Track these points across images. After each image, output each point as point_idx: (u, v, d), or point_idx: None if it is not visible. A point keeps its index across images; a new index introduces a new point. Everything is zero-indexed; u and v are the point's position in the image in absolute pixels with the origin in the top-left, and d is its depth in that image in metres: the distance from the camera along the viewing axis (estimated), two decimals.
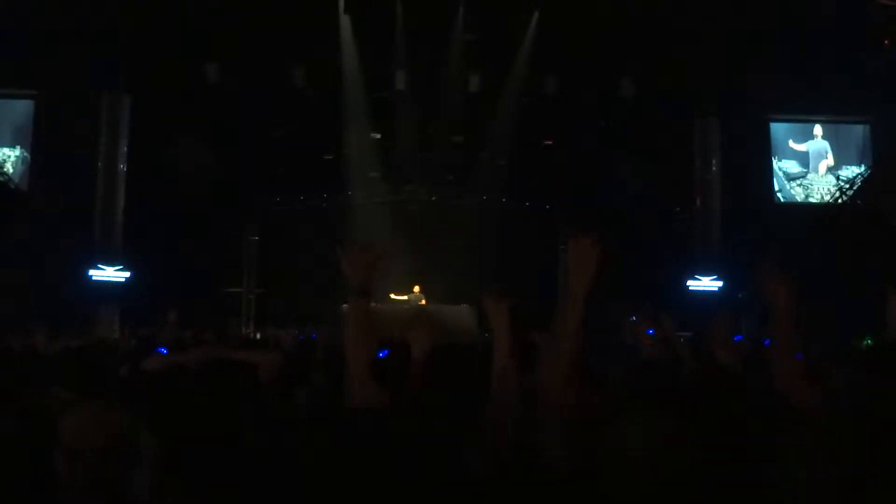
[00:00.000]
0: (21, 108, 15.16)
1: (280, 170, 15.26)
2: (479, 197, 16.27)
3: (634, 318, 3.75)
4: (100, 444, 1.44)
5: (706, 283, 14.68)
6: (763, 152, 16.20)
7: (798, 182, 16.47)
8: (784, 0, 13.15)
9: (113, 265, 13.78)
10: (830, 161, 16.43)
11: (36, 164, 14.83)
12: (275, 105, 14.56)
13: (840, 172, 16.13)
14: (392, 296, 13.95)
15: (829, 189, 16.05)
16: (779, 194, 16.34)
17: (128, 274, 13.74)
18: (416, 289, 14.08)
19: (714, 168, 15.19)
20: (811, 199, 16.28)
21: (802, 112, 16.15)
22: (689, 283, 14.68)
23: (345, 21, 14.35)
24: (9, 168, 14.81)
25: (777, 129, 16.53)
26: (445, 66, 14.77)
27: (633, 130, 14.52)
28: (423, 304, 13.74)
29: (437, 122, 15.15)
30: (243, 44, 13.69)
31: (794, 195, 16.40)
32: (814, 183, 16.41)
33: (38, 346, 4.64)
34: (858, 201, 14.68)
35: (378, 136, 15.56)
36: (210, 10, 13.08)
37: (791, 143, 16.46)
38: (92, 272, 13.64)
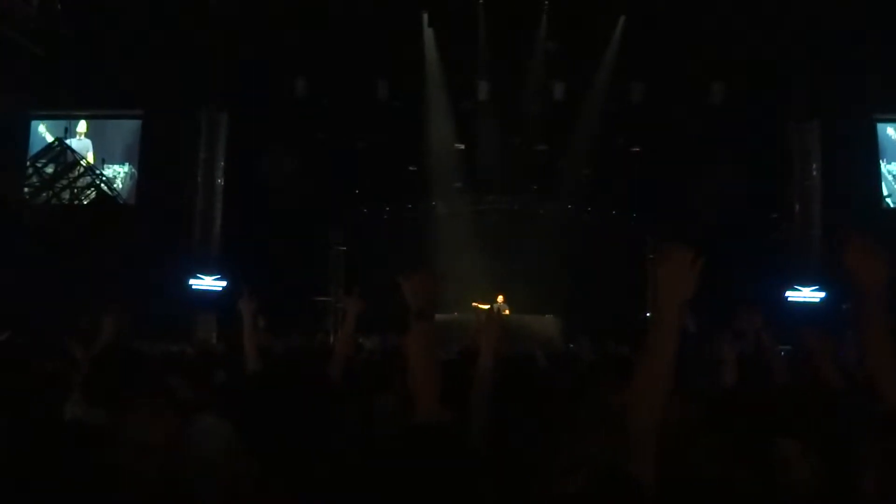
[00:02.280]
0: (130, 127, 16.23)
1: (365, 180, 15.61)
2: (563, 205, 16.06)
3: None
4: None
5: (806, 295, 13.90)
6: (869, 155, 15.20)
7: None
8: None
9: (211, 274, 14.49)
10: None
11: (142, 179, 15.84)
12: (360, 117, 14.95)
13: None
14: (475, 304, 13.96)
15: None
16: (888, 199, 15.29)
17: (224, 283, 14.40)
18: (500, 298, 14.02)
19: (815, 173, 14.39)
20: None
21: None
22: (788, 294, 13.95)
23: (428, 34, 14.57)
24: (118, 184, 15.87)
25: (885, 129, 15.49)
26: (529, 75, 14.73)
27: (726, 136, 13.99)
28: (506, 314, 13.68)
29: (520, 131, 15.11)
30: (330, 59, 14.16)
31: None
32: None
33: None
34: None
35: (461, 146, 15.67)
36: (298, 27, 13.62)
37: None
38: (192, 281, 14.39)
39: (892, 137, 15.48)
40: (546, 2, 14.07)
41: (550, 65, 14.53)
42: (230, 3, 13.27)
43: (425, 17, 14.40)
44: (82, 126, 16.24)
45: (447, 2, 14.03)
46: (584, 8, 13.81)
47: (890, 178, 15.38)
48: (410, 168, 15.80)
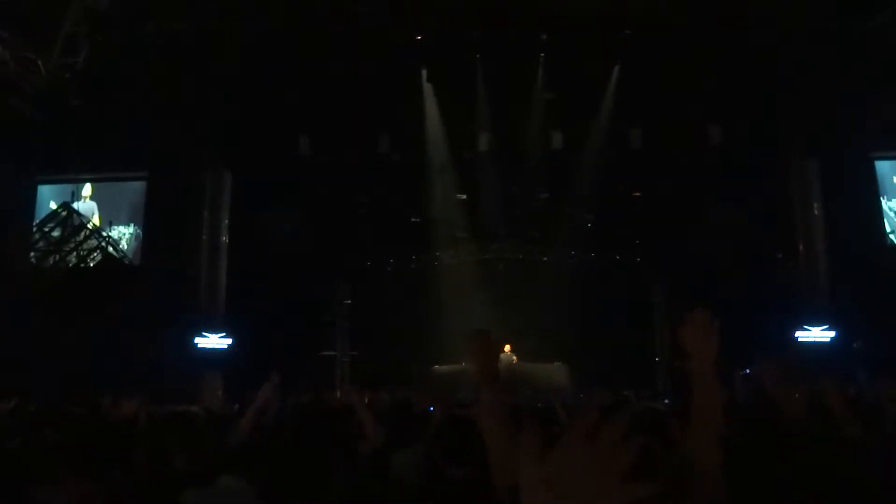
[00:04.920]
0: (136, 188, 16.41)
1: (370, 234, 15.70)
2: (568, 252, 16.09)
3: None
4: None
5: (817, 334, 13.76)
6: (869, 192, 15.24)
7: None
8: (880, 28, 12.53)
9: (216, 332, 14.42)
10: None
11: (147, 239, 15.93)
12: (363, 172, 15.13)
13: None
14: None
15: None
16: (892, 236, 15.26)
17: (230, 341, 14.32)
18: (507, 348, 13.91)
19: (816, 212, 14.42)
20: None
21: None
22: (798, 334, 13.81)
23: (428, 88, 14.86)
24: (124, 245, 15.96)
25: (883, 166, 15.56)
26: (528, 125, 14.95)
27: (726, 177, 14.07)
28: (515, 363, 13.55)
29: (521, 180, 15.26)
30: (332, 116, 14.41)
31: None
32: None
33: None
34: None
35: (463, 196, 15.80)
36: (299, 87, 13.90)
37: None
38: (197, 340, 14.32)
39: (890, 174, 15.56)
40: (542, 54, 14.37)
41: (549, 114, 14.76)
42: (231, 65, 13.54)
43: (424, 72, 14.71)
44: (87, 189, 16.43)
45: (446, 56, 14.34)
46: (580, 58, 14.08)
47: (892, 214, 15.38)
48: (413, 220, 15.91)
